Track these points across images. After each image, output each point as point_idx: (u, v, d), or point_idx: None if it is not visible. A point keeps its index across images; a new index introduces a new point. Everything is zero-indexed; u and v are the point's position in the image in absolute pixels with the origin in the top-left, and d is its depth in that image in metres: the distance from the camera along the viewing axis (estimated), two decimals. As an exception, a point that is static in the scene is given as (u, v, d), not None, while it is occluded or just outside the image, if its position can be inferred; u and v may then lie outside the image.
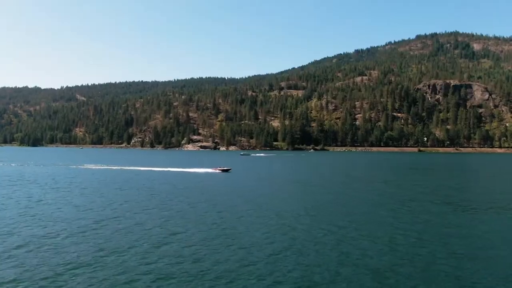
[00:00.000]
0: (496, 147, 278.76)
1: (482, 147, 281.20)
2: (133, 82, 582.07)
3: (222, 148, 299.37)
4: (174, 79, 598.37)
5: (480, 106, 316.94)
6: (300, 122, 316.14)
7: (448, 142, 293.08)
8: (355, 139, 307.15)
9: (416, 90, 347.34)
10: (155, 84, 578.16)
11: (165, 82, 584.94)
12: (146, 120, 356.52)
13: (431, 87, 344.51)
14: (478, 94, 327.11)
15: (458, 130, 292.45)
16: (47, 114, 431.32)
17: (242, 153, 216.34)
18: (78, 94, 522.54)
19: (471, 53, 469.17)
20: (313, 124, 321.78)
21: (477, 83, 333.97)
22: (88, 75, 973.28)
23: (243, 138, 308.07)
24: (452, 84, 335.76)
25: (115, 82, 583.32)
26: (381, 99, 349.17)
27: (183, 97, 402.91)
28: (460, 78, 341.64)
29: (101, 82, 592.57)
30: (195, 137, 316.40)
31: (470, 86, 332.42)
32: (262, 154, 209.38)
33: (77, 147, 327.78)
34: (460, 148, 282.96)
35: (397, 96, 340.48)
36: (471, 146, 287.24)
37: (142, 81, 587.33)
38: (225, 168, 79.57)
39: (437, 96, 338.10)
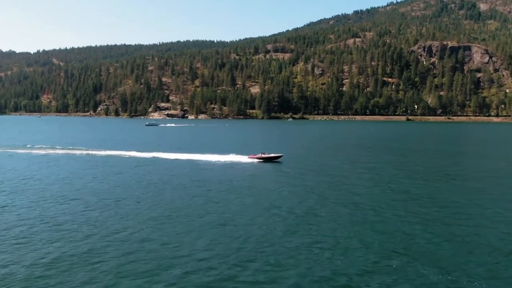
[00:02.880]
0: (493, 116, 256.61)
1: (477, 116, 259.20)
2: (115, 45, 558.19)
3: (191, 117, 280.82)
4: (160, 42, 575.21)
5: (478, 70, 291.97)
6: (278, 88, 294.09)
7: (440, 111, 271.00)
8: (337, 107, 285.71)
9: (410, 53, 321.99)
10: (139, 47, 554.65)
11: (149, 45, 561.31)
12: (116, 86, 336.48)
13: (426, 49, 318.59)
14: (477, 57, 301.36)
15: (451, 97, 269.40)
16: (17, 80, 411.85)
17: (148, 123, 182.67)
18: (55, 59, 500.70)
19: (477, 13, 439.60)
20: (294, 90, 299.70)
21: (477, 45, 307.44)
22: (68, 38, 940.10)
23: (215, 106, 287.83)
24: (449, 46, 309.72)
25: (96, 46, 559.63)
26: (372, 63, 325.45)
27: (162, 60, 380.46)
28: (458, 40, 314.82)
29: (81, 46, 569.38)
30: (163, 104, 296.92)
31: (469, 48, 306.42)
32: (173, 124, 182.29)
33: (37, 116, 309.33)
34: (453, 117, 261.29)
35: (389, 59, 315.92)
36: (465, 114, 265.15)
37: (124, 44, 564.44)
38: (270, 155, 56.07)
39: (433, 59, 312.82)
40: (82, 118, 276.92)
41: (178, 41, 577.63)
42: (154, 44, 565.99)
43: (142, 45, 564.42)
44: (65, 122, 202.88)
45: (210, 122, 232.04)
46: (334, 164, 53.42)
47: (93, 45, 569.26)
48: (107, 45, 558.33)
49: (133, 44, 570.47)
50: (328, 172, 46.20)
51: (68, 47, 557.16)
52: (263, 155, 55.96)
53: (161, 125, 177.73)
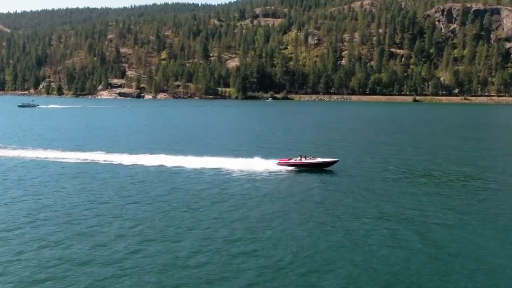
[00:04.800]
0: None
1: (501, 96, 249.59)
2: (76, 9, 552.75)
3: (148, 96, 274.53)
4: (132, 5, 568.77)
5: (508, 39, 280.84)
6: (257, 61, 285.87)
7: (457, 90, 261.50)
8: (330, 85, 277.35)
9: (425, 18, 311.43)
10: (105, 11, 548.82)
11: (118, 9, 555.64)
12: (64, 58, 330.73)
13: (445, 13, 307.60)
14: (508, 22, 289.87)
15: (470, 73, 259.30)
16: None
17: (21, 104, 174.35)
18: (1, 25, 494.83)
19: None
20: (277, 63, 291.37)
21: (508, 8, 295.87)
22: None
23: (179, 83, 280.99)
24: (473, 9, 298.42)
25: (52, 10, 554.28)
26: (379, 30, 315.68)
27: (123, 26, 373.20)
28: (485, 1, 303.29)
29: (35, 9, 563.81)
30: (116, 81, 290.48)
31: (497, 12, 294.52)
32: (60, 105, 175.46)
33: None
34: (471, 97, 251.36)
35: (399, 26, 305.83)
36: (486, 94, 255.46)
37: (88, 7, 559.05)
38: (318, 161, 46.18)
39: (453, 26, 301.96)
40: (26, 97, 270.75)
41: (154, 4, 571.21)
42: (124, 7, 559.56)
43: (110, 8, 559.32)
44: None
45: (165, 103, 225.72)
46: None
47: (49, 8, 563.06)
48: (67, 9, 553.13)
49: (99, 7, 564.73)
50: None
51: (18, 11, 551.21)
52: (305, 160, 45.51)
53: (40, 106, 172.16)
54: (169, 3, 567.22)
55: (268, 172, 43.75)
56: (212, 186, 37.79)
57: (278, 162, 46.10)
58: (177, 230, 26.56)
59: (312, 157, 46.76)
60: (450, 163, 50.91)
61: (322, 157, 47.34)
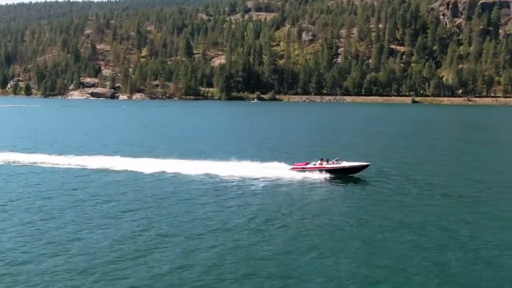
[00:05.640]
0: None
1: (508, 97, 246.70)
2: (56, 2, 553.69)
3: (123, 97, 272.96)
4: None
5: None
6: (243, 58, 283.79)
7: (461, 90, 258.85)
8: (322, 85, 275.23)
9: (429, 11, 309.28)
10: (87, 5, 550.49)
11: (101, 2, 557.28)
12: (36, 55, 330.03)
13: (450, 6, 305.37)
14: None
15: (474, 72, 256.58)
16: None
17: None
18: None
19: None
20: (265, 61, 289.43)
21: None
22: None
23: (158, 83, 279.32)
24: (480, 2, 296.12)
25: (30, 3, 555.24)
26: (379, 25, 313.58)
27: (102, 21, 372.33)
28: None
29: (10, 2, 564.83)
30: (89, 80, 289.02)
31: (507, 5, 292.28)
32: None
33: None
34: (475, 99, 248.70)
35: (400, 21, 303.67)
36: (491, 95, 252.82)
37: (68, 1, 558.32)
38: (343, 165, 41.68)
39: (458, 20, 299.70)
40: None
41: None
42: (108, 1, 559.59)
43: (92, 2, 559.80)
44: None
45: (139, 104, 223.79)
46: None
47: (26, 1, 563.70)
48: (45, 2, 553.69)
49: (80, 0, 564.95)
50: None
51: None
52: (328, 165, 41.25)
53: None
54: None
55: (280, 179, 39.79)
56: (212, 196, 34.47)
57: (293, 168, 42.06)
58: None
59: (336, 160, 41.96)
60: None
61: (361, 161, 43.12)
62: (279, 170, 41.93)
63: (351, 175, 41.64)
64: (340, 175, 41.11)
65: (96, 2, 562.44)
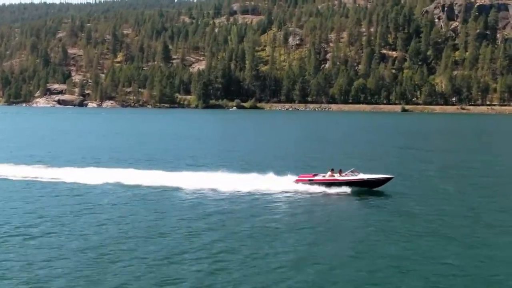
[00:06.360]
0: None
1: (504, 105, 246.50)
2: (31, 4, 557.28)
3: (92, 104, 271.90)
4: (96, 1, 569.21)
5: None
6: (223, 64, 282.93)
7: (455, 98, 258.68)
8: (307, 92, 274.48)
9: (423, 14, 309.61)
10: (65, 7, 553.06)
11: (80, 4, 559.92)
12: (2, 60, 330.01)
13: (446, 9, 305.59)
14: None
15: (469, 78, 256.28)
16: None
17: None
18: None
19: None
20: (246, 67, 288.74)
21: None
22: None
23: (129, 90, 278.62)
24: (477, 5, 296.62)
25: (3, 5, 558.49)
26: (370, 29, 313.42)
27: (75, 24, 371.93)
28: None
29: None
30: (57, 86, 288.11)
31: (505, 7, 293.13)
32: None
33: None
34: (469, 107, 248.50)
35: (392, 24, 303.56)
36: (487, 103, 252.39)
37: (44, 3, 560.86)
38: (361, 178, 37.73)
39: (454, 24, 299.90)
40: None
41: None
42: (87, 3, 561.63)
43: (70, 4, 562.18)
44: None
45: (106, 112, 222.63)
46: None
47: (0, 3, 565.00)
48: (20, 4, 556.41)
49: (57, 2, 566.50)
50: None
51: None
52: (341, 177, 37.66)
53: None
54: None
55: (283, 193, 36.53)
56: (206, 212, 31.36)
57: (297, 180, 38.39)
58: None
59: (351, 171, 38.08)
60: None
61: (383, 174, 38.99)
62: (279, 184, 38.37)
63: (371, 189, 37.79)
64: (356, 188, 37.15)
65: (75, 4, 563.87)
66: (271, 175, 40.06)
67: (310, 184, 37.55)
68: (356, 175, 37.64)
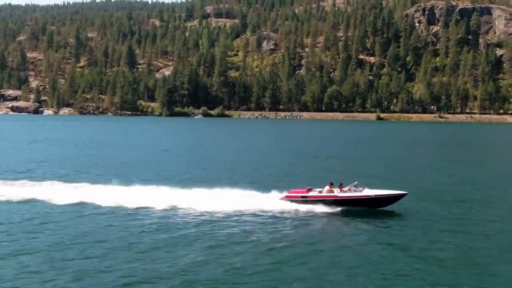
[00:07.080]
0: (509, 113, 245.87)
1: (485, 113, 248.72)
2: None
3: (48, 111, 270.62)
4: (65, 2, 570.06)
5: (500, 45, 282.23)
6: (189, 69, 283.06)
7: (434, 106, 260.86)
8: (278, 100, 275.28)
9: (402, 18, 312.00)
10: (31, 9, 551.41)
11: (47, 6, 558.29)
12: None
13: (426, 12, 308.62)
14: (500, 24, 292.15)
15: (448, 85, 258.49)
16: None
17: None
18: None
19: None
20: (215, 73, 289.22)
21: (500, 6, 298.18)
22: None
23: (87, 96, 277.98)
24: (459, 8, 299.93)
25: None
26: (348, 34, 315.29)
27: (36, 27, 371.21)
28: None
29: None
30: (11, 92, 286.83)
31: (488, 11, 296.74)
32: None
33: None
34: (447, 115, 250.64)
35: (370, 28, 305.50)
36: (467, 111, 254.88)
37: (9, 4, 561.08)
38: (370, 195, 32.94)
39: (435, 28, 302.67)
40: None
41: (93, 1, 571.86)
42: (55, 4, 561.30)
43: (37, 6, 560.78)
44: None
45: (61, 120, 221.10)
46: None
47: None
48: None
49: (23, 4, 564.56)
50: None
51: None
52: (342, 193, 33.17)
53: None
54: (112, 0, 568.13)
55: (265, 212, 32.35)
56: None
57: (287, 196, 33.77)
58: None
59: (354, 186, 33.38)
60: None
61: (393, 190, 34.05)
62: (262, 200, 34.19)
63: (378, 208, 33.37)
64: (360, 207, 33.00)
65: (42, 6, 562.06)
66: (254, 192, 36.11)
67: (304, 202, 33.13)
68: (360, 191, 33.02)
